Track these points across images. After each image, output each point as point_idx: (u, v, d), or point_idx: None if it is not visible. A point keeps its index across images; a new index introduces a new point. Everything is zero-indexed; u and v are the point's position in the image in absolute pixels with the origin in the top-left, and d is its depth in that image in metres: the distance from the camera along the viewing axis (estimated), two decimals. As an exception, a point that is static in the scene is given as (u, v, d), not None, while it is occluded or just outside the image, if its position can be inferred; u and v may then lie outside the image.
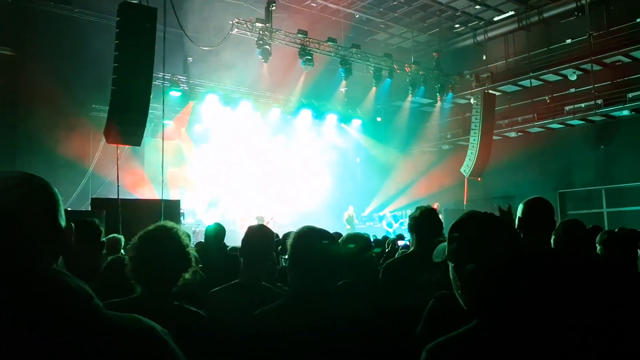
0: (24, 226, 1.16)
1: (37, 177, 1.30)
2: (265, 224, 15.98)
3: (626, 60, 18.24)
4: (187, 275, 2.27)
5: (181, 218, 13.81)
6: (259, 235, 3.03)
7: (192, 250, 2.34)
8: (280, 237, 5.48)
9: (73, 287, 1.11)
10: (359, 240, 3.45)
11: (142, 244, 2.22)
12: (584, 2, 19.13)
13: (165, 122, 14.11)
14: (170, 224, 2.35)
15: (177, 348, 1.20)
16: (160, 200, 11.29)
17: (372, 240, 4.01)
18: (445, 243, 1.52)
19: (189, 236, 2.51)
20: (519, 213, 2.86)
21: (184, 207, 14.99)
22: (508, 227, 1.48)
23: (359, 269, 3.23)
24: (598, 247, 3.84)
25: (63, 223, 1.26)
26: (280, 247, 4.66)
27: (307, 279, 2.10)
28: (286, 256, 2.18)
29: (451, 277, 1.47)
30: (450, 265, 1.47)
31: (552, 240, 3.00)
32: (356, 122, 21.72)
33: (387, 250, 6.46)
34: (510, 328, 1.31)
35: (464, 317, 1.39)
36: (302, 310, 2.03)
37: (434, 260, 1.59)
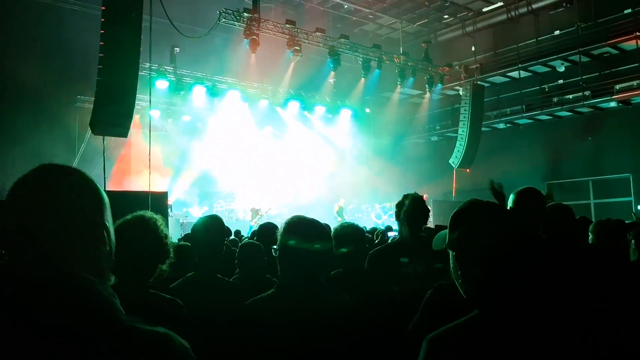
0: (73, 220, 1.10)
1: (82, 172, 1.21)
2: (259, 216, 15.95)
3: (614, 51, 18.34)
4: (163, 267, 2.25)
5: (169, 210, 13.71)
6: (209, 226, 2.96)
7: (170, 242, 2.30)
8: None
9: (103, 296, 1.05)
10: (353, 235, 3.37)
11: (117, 234, 2.16)
12: (572, -7, 19.19)
13: (152, 112, 13.98)
14: (149, 214, 2.31)
15: None
16: (148, 192, 11.18)
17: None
18: (445, 231, 1.50)
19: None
20: (510, 203, 2.83)
21: (171, 199, 14.89)
22: (511, 215, 1.46)
23: (353, 258, 3.18)
24: (590, 237, 3.84)
25: (109, 224, 1.20)
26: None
27: (296, 268, 2.07)
28: (276, 246, 2.13)
29: (451, 266, 1.45)
30: (451, 253, 1.44)
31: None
32: (345, 113, 21.66)
33: (376, 241, 6.44)
34: (512, 318, 1.31)
35: (463, 308, 1.38)
36: (292, 300, 2.01)
37: (433, 248, 1.56)
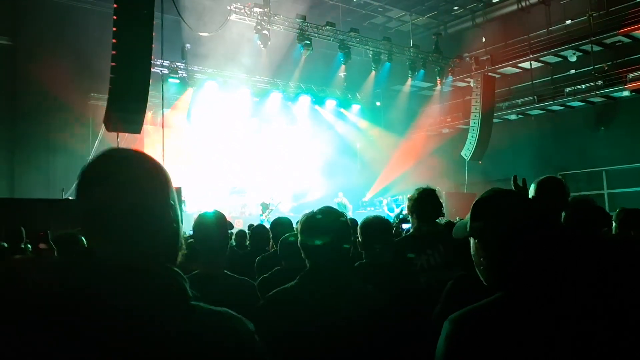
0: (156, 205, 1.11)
1: (149, 155, 1.19)
2: (270, 210, 16.01)
3: (626, 40, 18.16)
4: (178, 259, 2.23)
5: (182, 205, 13.81)
6: (214, 221, 2.89)
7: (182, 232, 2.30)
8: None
9: (178, 282, 1.08)
10: (379, 227, 3.32)
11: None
12: (583, -18, 19.01)
13: (164, 109, 14.07)
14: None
15: (263, 347, 1.17)
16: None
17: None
18: (466, 220, 1.53)
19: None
20: (531, 192, 2.86)
21: (185, 194, 14.98)
22: (532, 203, 1.50)
23: (377, 250, 3.17)
24: (614, 225, 3.87)
25: (175, 203, 1.18)
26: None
27: (316, 260, 2.10)
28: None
29: (472, 252, 1.48)
30: (473, 241, 1.48)
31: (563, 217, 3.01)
32: (355, 107, 21.65)
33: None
34: (533, 299, 1.34)
35: (484, 297, 1.41)
36: (315, 291, 2.04)
37: (454, 236, 1.60)
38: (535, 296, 1.34)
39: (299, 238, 2.13)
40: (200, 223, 2.89)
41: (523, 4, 21.23)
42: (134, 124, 11.34)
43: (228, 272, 2.87)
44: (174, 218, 1.15)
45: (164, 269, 1.08)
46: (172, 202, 1.15)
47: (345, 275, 2.13)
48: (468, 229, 1.49)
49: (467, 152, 19.90)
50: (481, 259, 1.45)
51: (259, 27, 15.73)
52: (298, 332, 1.93)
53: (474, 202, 1.52)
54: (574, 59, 19.45)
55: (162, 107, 13.32)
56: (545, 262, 1.37)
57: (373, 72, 19.82)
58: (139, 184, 1.10)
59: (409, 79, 20.60)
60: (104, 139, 15.22)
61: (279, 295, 2.09)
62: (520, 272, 1.38)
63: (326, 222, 2.10)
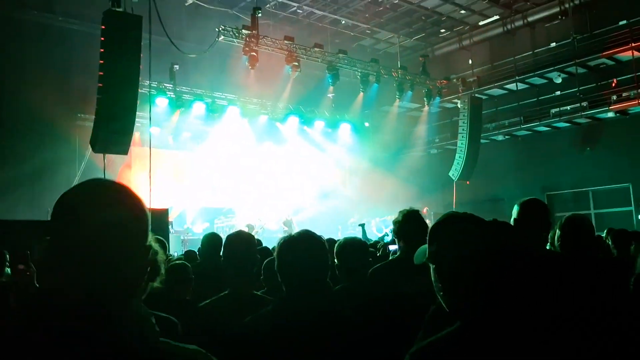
0: (129, 249, 1.07)
1: (128, 187, 1.16)
2: (254, 232, 15.92)
3: (610, 62, 18.45)
4: (155, 284, 2.20)
5: (170, 227, 13.71)
6: (241, 242, 2.90)
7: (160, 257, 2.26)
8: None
9: (139, 318, 1.06)
10: (357, 249, 3.31)
11: None
12: (567, 5, 19.35)
13: (152, 129, 14.01)
14: None
15: None
16: (149, 210, 11.19)
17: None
18: (426, 245, 1.50)
19: (162, 242, 2.42)
20: (514, 214, 2.85)
21: (172, 216, 14.89)
22: (491, 227, 1.46)
23: (356, 273, 3.15)
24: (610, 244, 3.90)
25: (152, 243, 1.15)
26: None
27: (294, 283, 2.06)
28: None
29: (432, 279, 1.45)
30: (432, 267, 1.45)
31: (557, 237, 2.99)
32: (344, 128, 21.72)
33: (378, 254, 6.43)
34: (492, 330, 1.30)
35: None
36: (292, 315, 2.00)
37: (415, 262, 1.57)
38: (492, 328, 1.29)
39: (276, 262, 2.09)
40: (227, 244, 2.90)
41: (508, 26, 21.55)
42: (121, 145, 11.25)
43: (256, 292, 2.86)
44: (145, 258, 1.12)
45: (125, 314, 1.04)
46: (145, 246, 1.12)
47: (323, 300, 2.09)
48: (427, 254, 1.46)
49: (455, 173, 19.97)
50: (439, 286, 1.42)
51: (247, 49, 15.80)
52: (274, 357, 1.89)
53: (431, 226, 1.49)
54: (559, 80, 19.71)
55: (150, 128, 13.27)
56: (504, 292, 1.32)
57: (361, 93, 19.90)
58: (115, 227, 1.05)
59: (397, 100, 20.71)
60: (90, 160, 15.12)
61: (255, 322, 2.04)
62: (476, 300, 1.33)
63: (304, 246, 2.07)
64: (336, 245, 3.23)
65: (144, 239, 1.12)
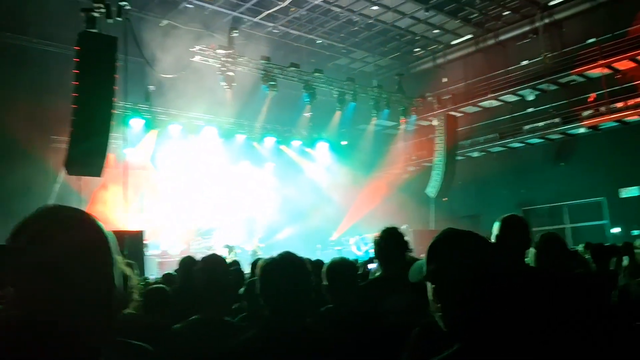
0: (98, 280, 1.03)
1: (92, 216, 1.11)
2: (234, 252, 15.75)
3: (580, 79, 18.87)
4: (129, 310, 2.14)
5: (145, 249, 13.47)
6: (215, 266, 2.81)
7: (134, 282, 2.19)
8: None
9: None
10: (345, 270, 3.26)
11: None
12: (538, 24, 19.80)
13: (127, 151, 13.86)
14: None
15: None
16: (124, 232, 11.03)
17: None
18: (421, 262, 1.45)
19: (132, 266, 2.33)
20: (495, 231, 2.85)
21: (147, 238, 14.64)
22: (490, 245, 1.44)
23: (342, 294, 3.09)
24: (588, 257, 3.92)
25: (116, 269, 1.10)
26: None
27: (280, 307, 2.02)
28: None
29: (430, 298, 1.40)
30: (430, 285, 1.40)
31: (533, 254, 3.00)
32: (321, 147, 21.75)
33: (358, 273, 6.39)
34: (493, 352, 1.26)
35: (451, 345, 1.33)
36: (276, 340, 1.95)
37: (410, 280, 1.51)
38: (493, 350, 1.26)
39: (258, 285, 2.04)
40: (200, 268, 2.79)
41: (481, 45, 21.97)
42: (95, 167, 11.10)
43: (227, 319, 2.80)
44: (108, 285, 1.07)
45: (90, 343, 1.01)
46: (106, 272, 1.07)
47: (308, 321, 2.05)
48: (424, 272, 1.41)
49: (432, 190, 20.11)
50: (438, 306, 1.37)
51: (224, 69, 15.79)
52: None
53: (429, 243, 1.44)
54: (532, 97, 20.09)
55: (125, 149, 13.12)
56: (504, 312, 1.29)
57: (338, 112, 20.01)
58: (80, 254, 1.02)
59: (374, 119, 20.87)
60: (65, 183, 14.85)
61: (242, 346, 1.99)
62: (477, 321, 1.29)
63: (287, 268, 2.03)
64: (326, 266, 3.17)
65: (104, 265, 1.07)
